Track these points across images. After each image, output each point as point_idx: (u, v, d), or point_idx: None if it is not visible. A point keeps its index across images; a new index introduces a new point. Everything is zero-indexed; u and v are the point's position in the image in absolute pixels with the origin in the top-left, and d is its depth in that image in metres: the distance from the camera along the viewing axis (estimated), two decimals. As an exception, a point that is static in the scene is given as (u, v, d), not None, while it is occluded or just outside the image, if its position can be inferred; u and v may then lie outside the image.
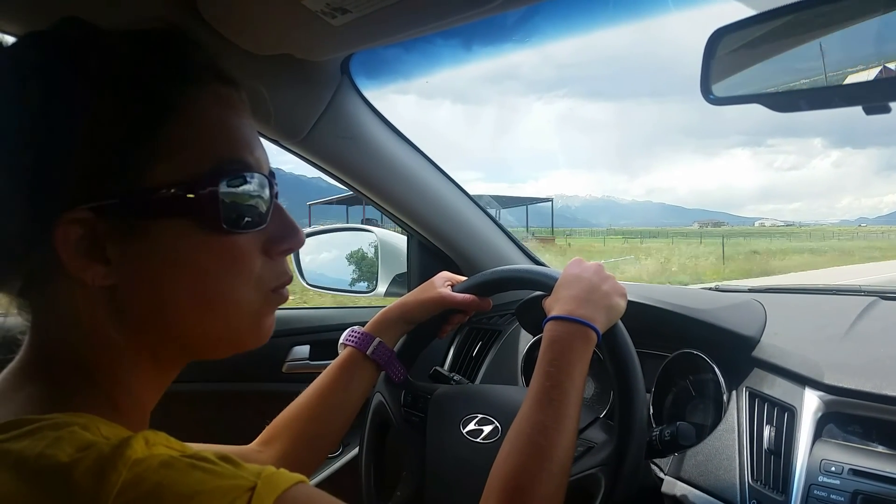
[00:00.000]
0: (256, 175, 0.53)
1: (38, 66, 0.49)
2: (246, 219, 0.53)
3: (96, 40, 0.51)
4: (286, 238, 0.57)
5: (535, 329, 1.31)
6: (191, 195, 0.49)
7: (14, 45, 0.51)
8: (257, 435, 0.91)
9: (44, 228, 0.47)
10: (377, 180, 1.36)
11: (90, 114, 0.47)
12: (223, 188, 0.51)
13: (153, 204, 0.49)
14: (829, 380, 0.87)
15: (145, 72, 0.50)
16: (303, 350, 1.55)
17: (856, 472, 0.77)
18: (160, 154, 0.49)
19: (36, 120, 0.47)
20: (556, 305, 0.83)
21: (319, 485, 1.45)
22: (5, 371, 0.52)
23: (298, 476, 0.49)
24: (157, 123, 0.49)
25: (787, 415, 0.90)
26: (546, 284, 0.91)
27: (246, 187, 0.53)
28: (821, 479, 0.80)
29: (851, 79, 0.71)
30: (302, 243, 0.58)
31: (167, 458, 0.44)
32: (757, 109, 0.80)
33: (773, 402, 0.93)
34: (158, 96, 0.50)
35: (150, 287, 0.51)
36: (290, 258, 1.70)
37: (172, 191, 0.49)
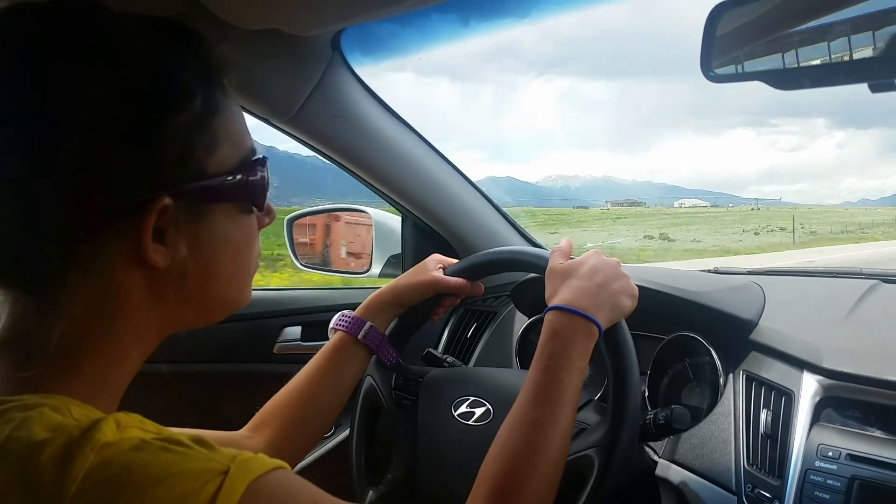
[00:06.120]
0: (266, 159, 0.59)
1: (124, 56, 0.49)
2: (261, 200, 0.59)
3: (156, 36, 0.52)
4: (268, 214, 0.62)
5: (531, 311, 1.30)
6: (242, 181, 0.55)
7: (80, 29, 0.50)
8: (248, 415, 0.89)
9: (108, 218, 0.48)
10: (370, 160, 1.34)
11: (168, 108, 0.50)
12: (257, 174, 0.57)
13: (216, 189, 0.53)
14: (828, 364, 0.86)
15: (201, 70, 0.53)
16: (294, 331, 1.54)
17: (853, 457, 0.76)
18: (212, 146, 0.53)
19: (114, 111, 0.48)
20: (559, 292, 0.79)
21: (311, 465, 1.44)
22: None
23: (276, 462, 0.47)
24: (210, 117, 0.53)
25: (784, 399, 0.88)
26: (539, 266, 0.89)
27: (264, 172, 0.58)
28: (818, 463, 0.78)
29: (857, 55, 0.68)
30: (274, 219, 0.64)
31: (137, 441, 0.43)
32: (759, 88, 0.78)
33: (771, 386, 0.91)
34: (210, 92, 0.53)
35: (196, 264, 0.54)
36: (284, 238, 1.68)
37: (230, 178, 0.54)
